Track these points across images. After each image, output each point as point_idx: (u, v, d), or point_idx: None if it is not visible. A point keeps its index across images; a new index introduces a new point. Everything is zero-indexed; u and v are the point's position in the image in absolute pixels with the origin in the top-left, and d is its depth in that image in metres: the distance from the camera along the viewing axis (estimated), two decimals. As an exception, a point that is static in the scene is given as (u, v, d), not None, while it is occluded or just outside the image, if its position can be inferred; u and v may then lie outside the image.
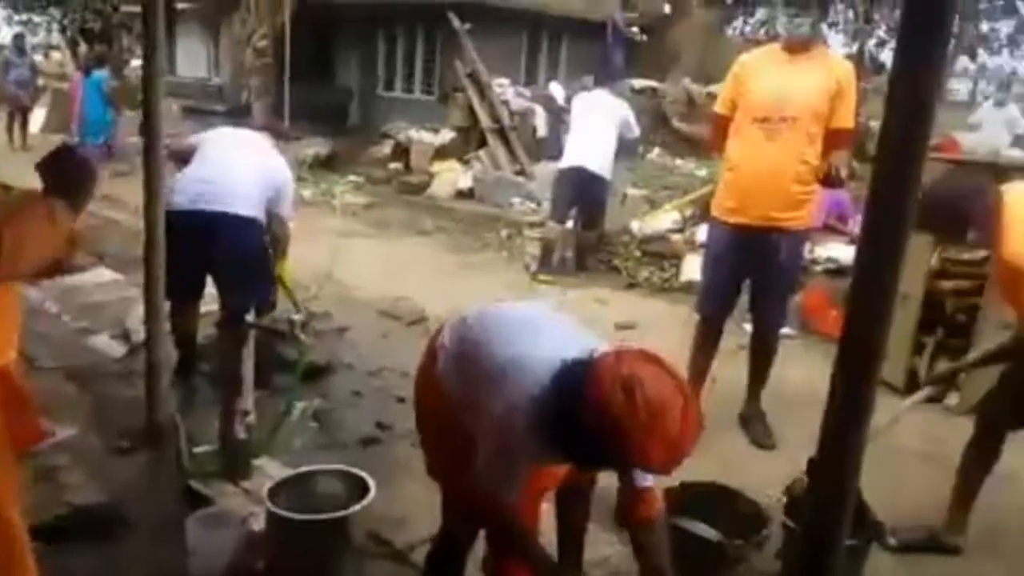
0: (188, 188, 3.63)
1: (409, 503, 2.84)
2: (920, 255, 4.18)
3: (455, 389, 2.05)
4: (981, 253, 3.98)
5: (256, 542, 2.57)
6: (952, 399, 3.88)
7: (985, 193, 2.52)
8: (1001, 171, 4.66)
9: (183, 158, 3.87)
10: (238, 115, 11.95)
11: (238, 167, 3.73)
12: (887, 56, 21.21)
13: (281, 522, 2.43)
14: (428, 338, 2.25)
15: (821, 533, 1.29)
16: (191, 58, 18.37)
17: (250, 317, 3.46)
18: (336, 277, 5.81)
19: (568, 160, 6.46)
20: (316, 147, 12.19)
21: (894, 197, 1.13)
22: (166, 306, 3.46)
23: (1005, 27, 20.55)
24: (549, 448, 1.79)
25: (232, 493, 2.93)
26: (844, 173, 3.55)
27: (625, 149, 6.68)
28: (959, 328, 4.31)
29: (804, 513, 1.62)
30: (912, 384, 4.31)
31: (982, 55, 21.09)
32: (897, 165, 1.12)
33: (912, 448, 3.33)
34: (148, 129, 3.15)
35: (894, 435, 2.83)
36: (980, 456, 2.86)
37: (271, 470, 3.03)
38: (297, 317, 4.05)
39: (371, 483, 2.52)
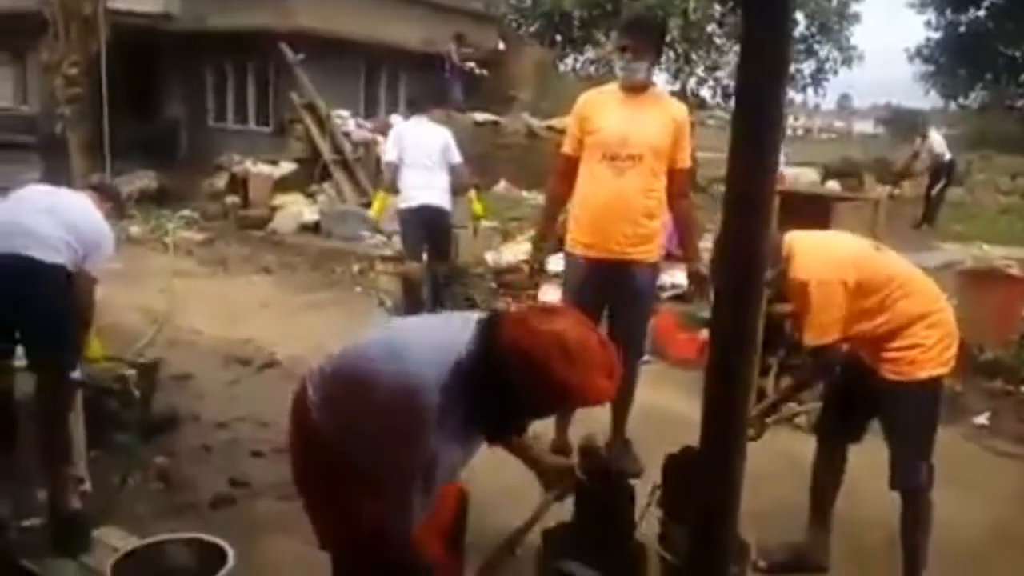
0: None
1: (275, 569, 2.62)
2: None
3: (336, 433, 1.88)
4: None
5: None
6: (801, 418, 4.10)
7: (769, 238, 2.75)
8: (824, 200, 5.07)
9: None
10: (52, 148, 10.97)
11: (36, 208, 3.06)
12: (706, 92, 22.94)
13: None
14: (292, 395, 2.02)
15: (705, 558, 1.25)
16: (-4, 86, 16.73)
17: (76, 374, 3.02)
18: (173, 320, 5.41)
19: (411, 200, 6.16)
20: (144, 180, 11.45)
21: (746, 225, 1.15)
22: None
23: (807, 67, 22.83)
24: (466, 421, 1.80)
25: (71, 570, 2.62)
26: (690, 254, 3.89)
27: (455, 178, 6.31)
28: (798, 347, 4.57)
29: (683, 542, 1.67)
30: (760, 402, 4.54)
31: (791, 92, 23.28)
32: (747, 197, 1.15)
33: (768, 469, 3.46)
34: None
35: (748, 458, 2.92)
36: (826, 472, 3.01)
37: (114, 540, 2.73)
38: (129, 372, 3.67)
39: (229, 551, 2.29)
